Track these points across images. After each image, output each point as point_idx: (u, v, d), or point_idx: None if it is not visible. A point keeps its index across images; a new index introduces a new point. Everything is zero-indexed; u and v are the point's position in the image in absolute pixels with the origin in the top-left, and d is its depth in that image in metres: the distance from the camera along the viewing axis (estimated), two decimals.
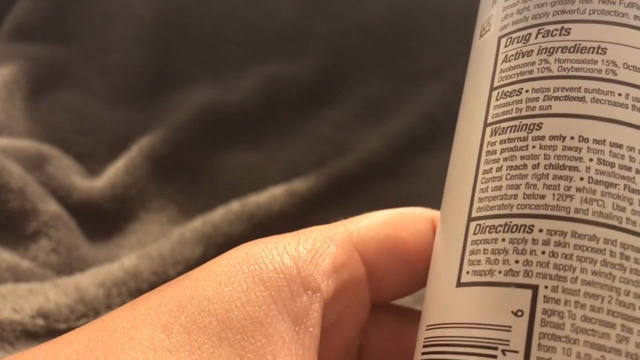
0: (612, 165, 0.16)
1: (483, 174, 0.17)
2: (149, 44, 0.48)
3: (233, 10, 0.50)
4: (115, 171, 0.41)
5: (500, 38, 0.19)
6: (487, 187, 0.17)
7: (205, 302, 0.16)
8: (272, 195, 0.39)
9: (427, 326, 0.17)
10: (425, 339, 0.17)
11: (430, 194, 0.40)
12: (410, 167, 0.42)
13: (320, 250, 0.18)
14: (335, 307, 0.18)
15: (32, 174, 0.39)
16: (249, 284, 0.17)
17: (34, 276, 0.34)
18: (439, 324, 0.17)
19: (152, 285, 0.34)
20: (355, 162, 0.41)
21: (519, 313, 0.15)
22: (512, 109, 0.17)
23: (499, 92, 0.18)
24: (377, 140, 0.43)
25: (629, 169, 0.16)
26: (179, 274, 0.35)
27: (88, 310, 0.32)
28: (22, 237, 0.36)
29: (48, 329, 0.31)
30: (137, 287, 0.34)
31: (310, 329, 0.17)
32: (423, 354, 0.17)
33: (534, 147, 0.17)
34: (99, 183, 0.41)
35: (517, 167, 0.17)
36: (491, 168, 0.17)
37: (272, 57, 0.48)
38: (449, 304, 0.17)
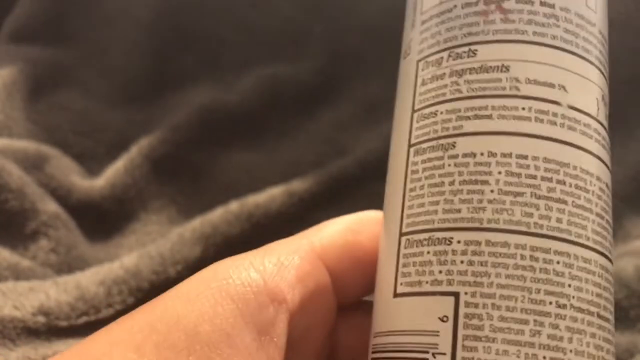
0: (519, 175, 0.18)
1: (409, 192, 0.19)
2: (149, 45, 0.49)
3: (232, 11, 0.51)
4: (114, 171, 0.42)
5: (418, 62, 0.20)
6: (413, 204, 0.19)
7: (175, 319, 0.17)
8: (270, 195, 0.40)
9: (374, 334, 0.19)
10: (372, 345, 0.19)
11: None
12: None
13: (285, 262, 0.20)
14: (303, 317, 0.20)
15: (31, 174, 0.39)
16: (216, 298, 0.18)
17: (33, 275, 0.35)
18: (381, 332, 0.19)
19: (153, 285, 0.35)
20: (354, 162, 0.42)
21: (445, 319, 0.17)
22: (429, 130, 0.19)
23: (418, 115, 0.20)
24: (375, 140, 0.43)
25: (535, 177, 0.18)
26: (179, 273, 0.36)
27: (88, 308, 0.33)
28: (22, 236, 0.37)
29: (49, 326, 0.32)
30: (138, 285, 0.34)
31: (275, 339, 0.18)
32: (372, 359, 0.19)
33: (449, 165, 0.18)
34: (98, 183, 0.41)
35: (436, 185, 0.18)
36: (415, 187, 0.19)
37: (271, 58, 0.49)
38: (388, 314, 0.19)
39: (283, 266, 0.20)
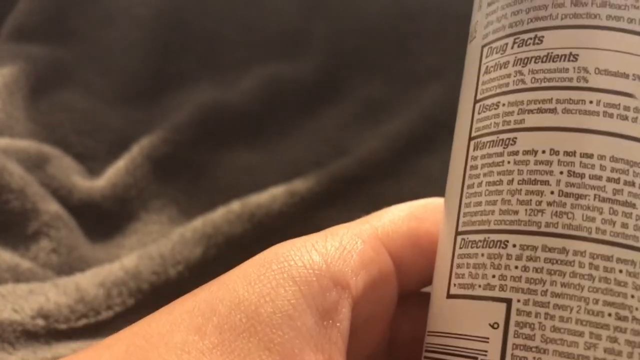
0: (582, 176, 0.17)
1: (467, 188, 0.18)
2: (150, 44, 0.49)
3: (233, 10, 0.51)
4: (115, 171, 0.42)
5: (482, 47, 0.19)
6: (470, 202, 0.18)
7: (236, 301, 0.17)
8: (272, 195, 0.40)
9: (428, 332, 0.19)
10: (426, 344, 0.19)
11: (430, 194, 0.40)
12: (410, 167, 0.42)
13: (348, 247, 0.19)
14: (366, 305, 0.19)
15: (32, 174, 0.39)
16: (278, 280, 0.17)
17: (34, 276, 0.35)
18: (434, 332, 0.18)
19: (153, 285, 0.35)
20: (355, 162, 0.42)
21: (495, 325, 0.17)
22: (490, 123, 0.18)
23: (480, 106, 0.19)
24: (377, 140, 0.43)
25: (600, 178, 0.16)
26: (179, 274, 0.36)
27: (88, 311, 0.33)
28: (23, 237, 0.37)
29: (48, 329, 0.32)
30: (138, 287, 0.34)
31: (338, 324, 0.18)
32: (425, 358, 0.19)
33: (509, 162, 0.17)
34: (99, 183, 0.41)
35: (494, 183, 0.18)
36: (473, 183, 0.18)
37: (272, 57, 0.49)
38: (441, 314, 0.18)
39: (346, 250, 0.19)
